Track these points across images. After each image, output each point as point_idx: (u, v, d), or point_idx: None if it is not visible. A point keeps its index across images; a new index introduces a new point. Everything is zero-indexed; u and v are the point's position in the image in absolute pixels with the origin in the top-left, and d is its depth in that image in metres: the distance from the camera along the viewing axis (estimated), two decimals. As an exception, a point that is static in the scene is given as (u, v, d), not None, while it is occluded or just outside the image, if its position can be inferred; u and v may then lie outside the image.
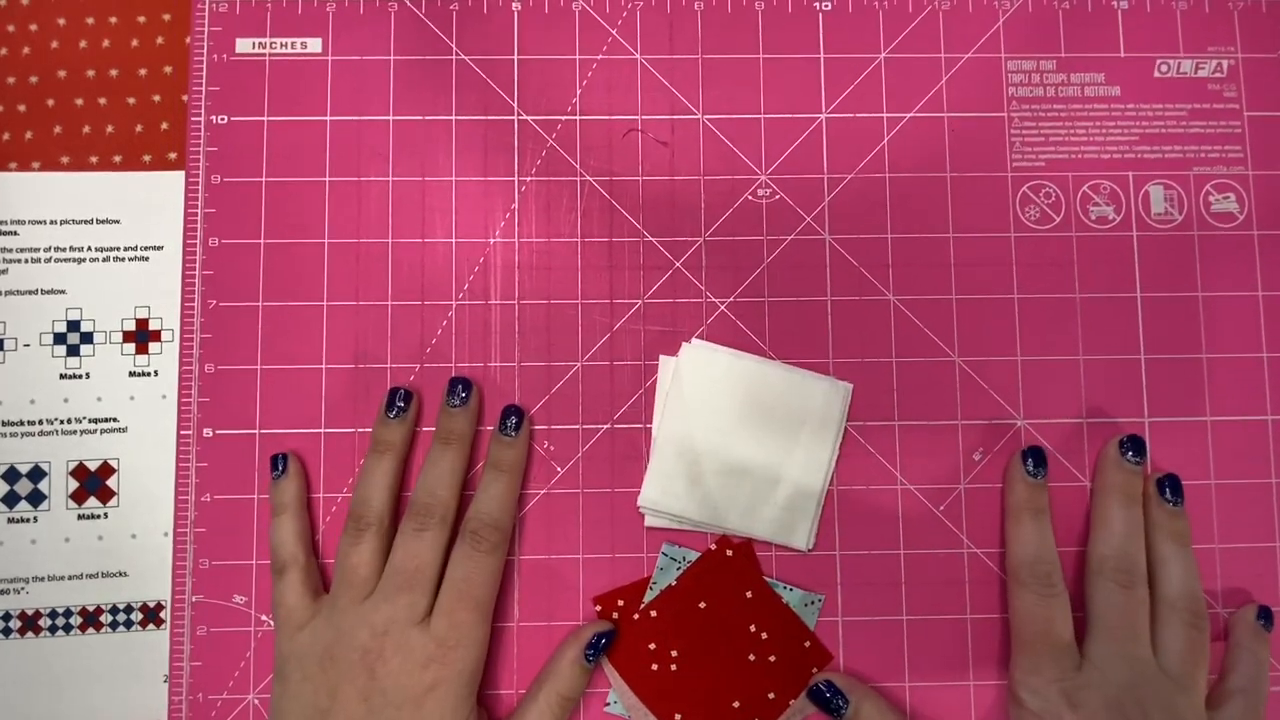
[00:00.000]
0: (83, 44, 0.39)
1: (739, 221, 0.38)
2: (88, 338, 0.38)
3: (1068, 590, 0.34)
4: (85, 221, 0.38)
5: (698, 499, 0.36)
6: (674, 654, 0.36)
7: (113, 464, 0.37)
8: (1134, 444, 0.35)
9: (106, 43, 0.39)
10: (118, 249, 0.38)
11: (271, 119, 0.38)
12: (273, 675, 0.34)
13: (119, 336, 0.38)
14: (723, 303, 0.38)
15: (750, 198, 0.38)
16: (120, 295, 0.38)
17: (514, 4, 0.39)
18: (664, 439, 0.37)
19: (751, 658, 0.36)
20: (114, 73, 0.39)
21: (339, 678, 0.32)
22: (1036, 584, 0.34)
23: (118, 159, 0.39)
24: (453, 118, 0.39)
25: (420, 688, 0.32)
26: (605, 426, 0.37)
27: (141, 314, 0.38)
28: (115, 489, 0.37)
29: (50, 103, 0.39)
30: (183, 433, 0.37)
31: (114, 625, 0.37)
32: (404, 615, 0.32)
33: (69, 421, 0.37)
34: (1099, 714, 0.31)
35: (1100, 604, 0.34)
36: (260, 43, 0.39)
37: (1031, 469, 0.35)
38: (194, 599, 0.36)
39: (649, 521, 0.37)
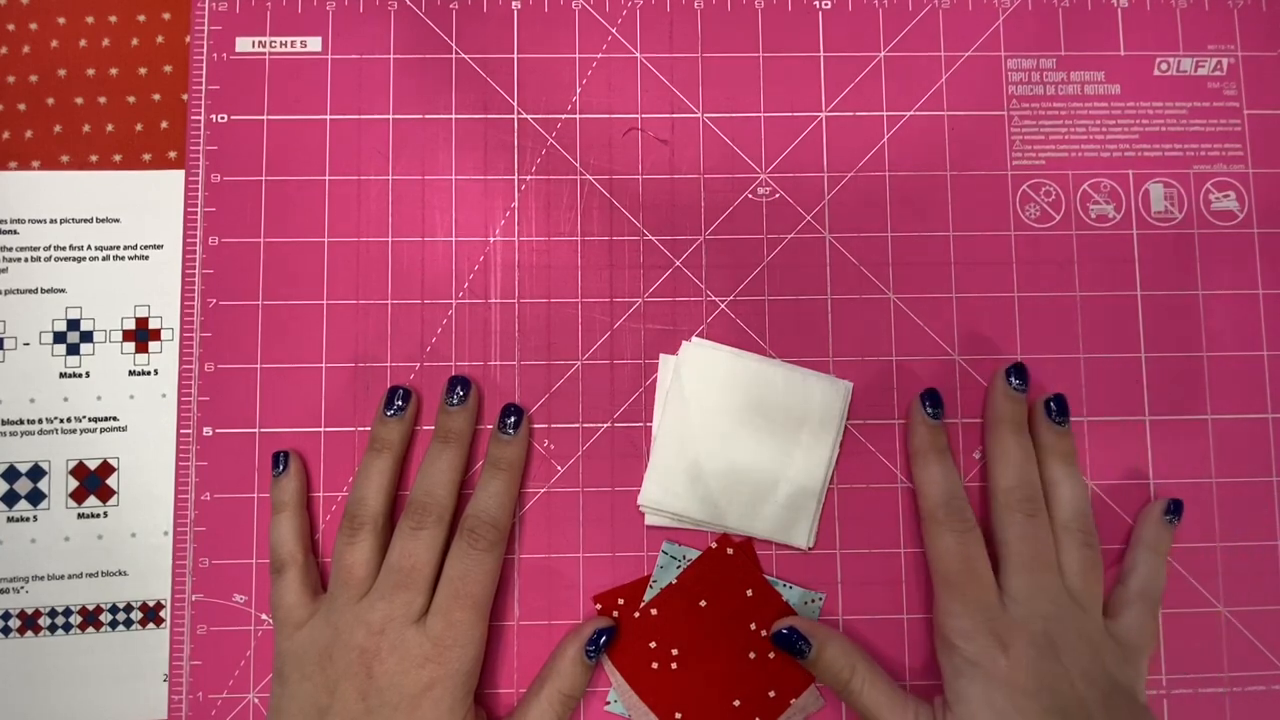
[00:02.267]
0: (82, 43, 0.39)
1: (739, 220, 0.38)
2: (87, 336, 0.38)
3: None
4: (85, 220, 0.38)
5: (698, 498, 0.36)
6: (674, 652, 0.36)
7: (113, 463, 0.37)
8: (1017, 371, 0.36)
9: (106, 42, 0.39)
10: (117, 248, 0.38)
11: (271, 118, 0.38)
12: (272, 674, 0.34)
13: (119, 335, 0.38)
14: (723, 301, 0.38)
15: (750, 196, 0.38)
16: (120, 294, 0.38)
17: (514, 3, 0.39)
18: (664, 438, 0.37)
19: (752, 656, 0.36)
20: (114, 71, 0.39)
21: (337, 677, 0.32)
22: (953, 521, 0.34)
23: (118, 158, 0.39)
24: (452, 117, 0.39)
25: (417, 687, 0.32)
26: (605, 425, 0.37)
27: (141, 313, 0.38)
28: (115, 488, 0.37)
29: (50, 101, 0.39)
30: (183, 431, 0.37)
31: (114, 624, 0.37)
32: (400, 614, 0.32)
33: (69, 420, 0.37)
34: (1028, 651, 0.32)
35: (1013, 536, 0.34)
36: (260, 42, 0.39)
37: (930, 410, 0.36)
38: (194, 598, 0.36)
39: (649, 520, 0.37)
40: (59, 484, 0.37)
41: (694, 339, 0.37)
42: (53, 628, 0.36)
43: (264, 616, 0.36)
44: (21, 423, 0.37)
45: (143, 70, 0.39)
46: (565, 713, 0.34)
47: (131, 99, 0.39)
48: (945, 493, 0.34)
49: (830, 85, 0.39)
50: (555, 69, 0.39)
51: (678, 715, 0.35)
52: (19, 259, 0.38)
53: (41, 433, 0.37)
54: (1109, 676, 0.32)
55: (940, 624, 0.34)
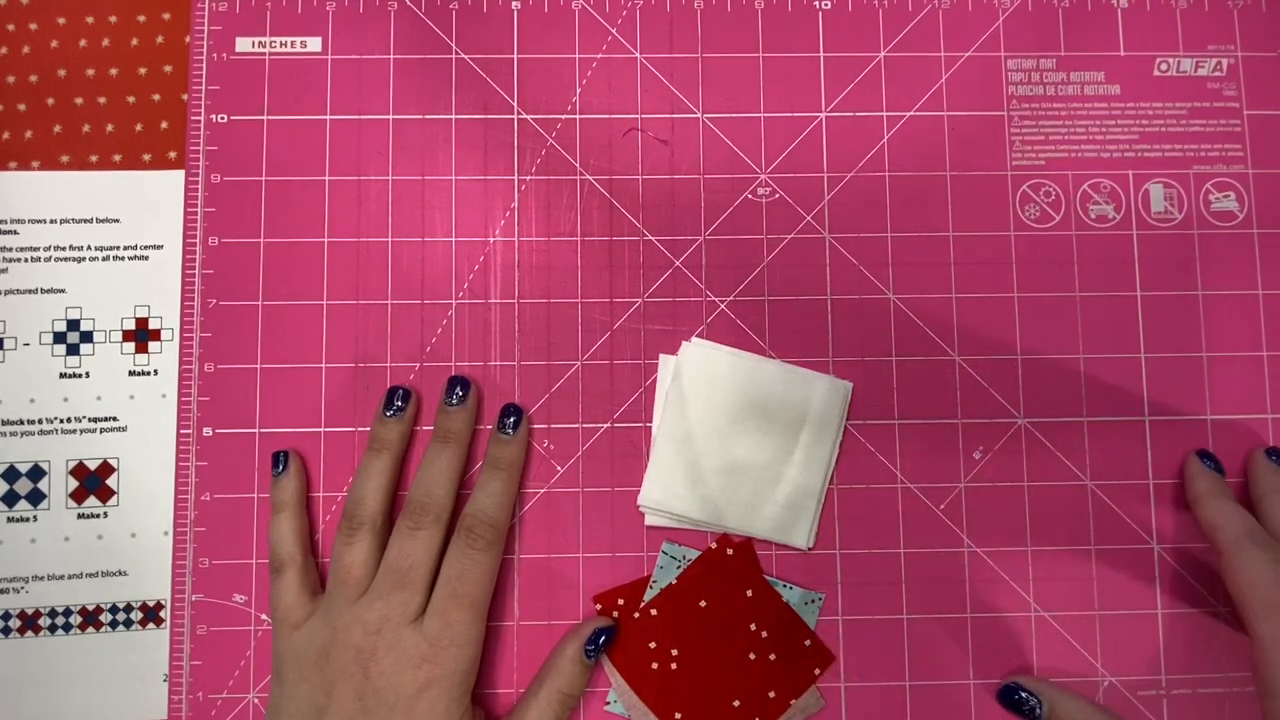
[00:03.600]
0: (82, 43, 0.39)
1: (739, 220, 0.38)
2: (87, 337, 0.38)
3: None
4: (85, 220, 0.38)
5: (698, 498, 0.36)
6: (674, 653, 0.36)
7: (112, 463, 0.37)
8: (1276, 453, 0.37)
9: (106, 42, 0.39)
10: (117, 248, 0.38)
11: (271, 118, 0.38)
12: (271, 674, 0.34)
13: (119, 335, 0.38)
14: (723, 302, 0.38)
15: (750, 197, 0.38)
16: (120, 294, 0.38)
17: (514, 3, 0.39)
18: (664, 438, 0.37)
19: (752, 656, 0.36)
20: (114, 72, 0.39)
21: (334, 677, 0.32)
22: (1264, 546, 0.33)
23: (117, 158, 0.39)
24: (452, 117, 0.39)
25: (413, 687, 0.32)
26: (605, 425, 0.37)
27: (141, 313, 0.38)
28: (115, 488, 0.37)
29: (50, 102, 0.39)
30: (182, 432, 0.37)
31: (114, 624, 0.37)
32: (397, 614, 0.32)
33: (69, 421, 0.37)
34: None
35: None
36: (260, 42, 0.39)
37: (1210, 464, 0.37)
38: (194, 598, 0.36)
39: (649, 520, 0.37)
40: (59, 484, 0.37)
41: (694, 339, 0.37)
42: (53, 628, 0.36)
43: (264, 616, 0.36)
44: (21, 423, 0.37)
45: (143, 70, 0.39)
46: (564, 712, 0.34)
47: (131, 99, 0.39)
48: (1247, 521, 0.34)
49: (830, 85, 0.39)
50: (555, 69, 0.39)
51: (678, 715, 0.35)
52: (19, 259, 0.38)
53: (41, 433, 0.37)
54: None
55: (1271, 661, 0.31)
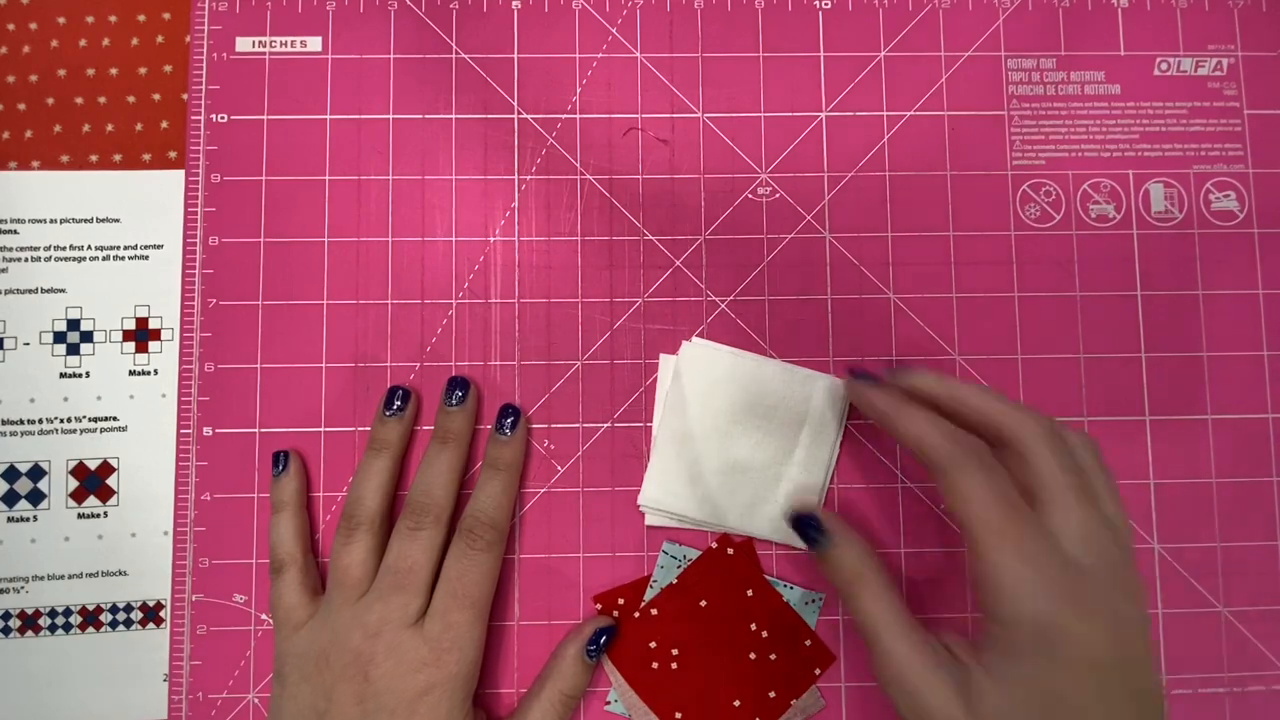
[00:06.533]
0: (82, 43, 0.39)
1: (739, 220, 0.38)
2: (87, 336, 0.38)
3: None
4: (85, 220, 0.38)
5: (698, 497, 0.36)
6: (675, 652, 0.36)
7: (112, 463, 0.37)
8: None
9: (106, 41, 0.39)
10: (118, 248, 0.38)
11: (271, 118, 0.38)
12: (273, 674, 0.34)
13: (119, 335, 0.38)
14: (723, 301, 0.38)
15: (750, 196, 0.38)
16: (120, 294, 0.38)
17: (514, 2, 0.39)
18: (664, 437, 0.37)
19: (752, 656, 0.36)
20: (114, 71, 0.39)
21: (334, 680, 0.32)
22: (984, 464, 0.29)
23: (118, 158, 0.39)
24: (452, 116, 0.39)
25: (413, 692, 0.31)
26: (605, 425, 0.37)
27: (141, 313, 0.38)
28: (115, 488, 0.37)
29: (50, 101, 0.39)
30: (182, 431, 0.37)
31: (114, 624, 0.37)
32: (397, 616, 0.32)
33: (69, 420, 0.37)
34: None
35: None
36: (260, 41, 0.39)
37: (867, 378, 0.33)
38: (194, 598, 0.36)
39: (649, 520, 0.37)
40: (59, 484, 0.37)
41: (694, 339, 0.37)
42: (53, 628, 0.36)
43: (264, 616, 0.36)
44: (21, 423, 0.37)
45: (143, 70, 0.39)
46: (566, 713, 0.34)
47: (131, 99, 0.39)
48: (956, 433, 0.30)
49: (830, 85, 0.39)
50: (555, 69, 0.39)
51: (678, 715, 0.35)
52: (19, 259, 0.38)
53: (41, 433, 0.37)
54: None
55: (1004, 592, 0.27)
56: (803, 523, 0.32)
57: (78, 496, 0.37)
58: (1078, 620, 0.26)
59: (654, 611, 0.36)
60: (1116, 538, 0.28)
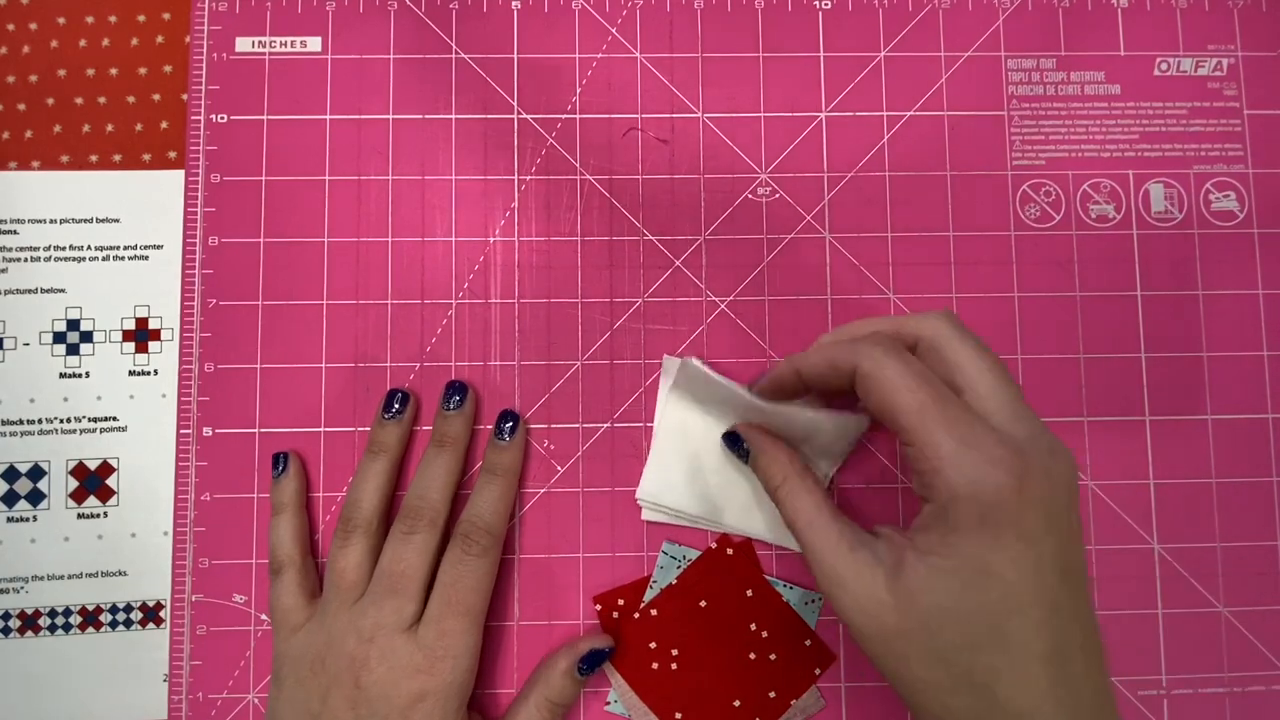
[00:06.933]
0: (82, 43, 0.39)
1: (739, 220, 0.38)
2: (87, 337, 0.38)
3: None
4: (85, 220, 0.38)
5: (696, 494, 0.36)
6: (674, 653, 0.36)
7: (112, 463, 0.37)
8: None
9: (106, 41, 0.39)
10: (117, 248, 0.38)
11: (271, 118, 0.38)
12: (270, 675, 0.34)
13: (119, 335, 0.38)
14: (723, 301, 0.38)
15: (750, 196, 0.38)
16: (120, 294, 0.38)
17: (514, 3, 0.39)
18: (664, 433, 0.37)
19: (752, 656, 0.36)
20: (114, 72, 0.39)
21: (328, 684, 0.32)
22: (902, 355, 0.29)
23: (117, 158, 0.39)
24: (452, 117, 0.39)
25: (406, 699, 0.31)
26: (605, 425, 0.37)
27: (141, 313, 0.38)
28: (115, 488, 0.37)
29: (50, 102, 0.39)
30: (182, 432, 0.37)
31: (114, 624, 0.37)
32: (391, 621, 0.32)
33: (69, 420, 0.37)
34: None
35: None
36: (260, 41, 0.39)
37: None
38: (194, 598, 0.36)
39: (646, 515, 0.37)
40: (59, 484, 0.37)
41: (694, 360, 0.35)
42: (53, 628, 0.36)
43: (263, 617, 0.36)
44: (21, 423, 0.37)
45: (143, 70, 0.39)
46: (554, 719, 0.34)
47: (131, 99, 0.39)
48: (850, 341, 0.30)
49: (830, 85, 0.39)
50: (555, 69, 0.39)
51: (678, 715, 0.35)
52: (19, 259, 0.38)
53: (41, 433, 0.37)
54: None
55: (952, 472, 0.27)
56: (729, 440, 0.34)
57: (77, 496, 0.37)
58: (1014, 495, 0.26)
59: (654, 612, 0.36)
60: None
